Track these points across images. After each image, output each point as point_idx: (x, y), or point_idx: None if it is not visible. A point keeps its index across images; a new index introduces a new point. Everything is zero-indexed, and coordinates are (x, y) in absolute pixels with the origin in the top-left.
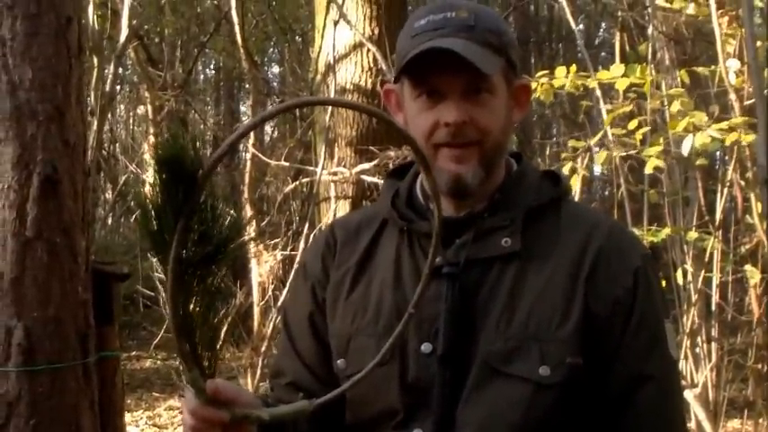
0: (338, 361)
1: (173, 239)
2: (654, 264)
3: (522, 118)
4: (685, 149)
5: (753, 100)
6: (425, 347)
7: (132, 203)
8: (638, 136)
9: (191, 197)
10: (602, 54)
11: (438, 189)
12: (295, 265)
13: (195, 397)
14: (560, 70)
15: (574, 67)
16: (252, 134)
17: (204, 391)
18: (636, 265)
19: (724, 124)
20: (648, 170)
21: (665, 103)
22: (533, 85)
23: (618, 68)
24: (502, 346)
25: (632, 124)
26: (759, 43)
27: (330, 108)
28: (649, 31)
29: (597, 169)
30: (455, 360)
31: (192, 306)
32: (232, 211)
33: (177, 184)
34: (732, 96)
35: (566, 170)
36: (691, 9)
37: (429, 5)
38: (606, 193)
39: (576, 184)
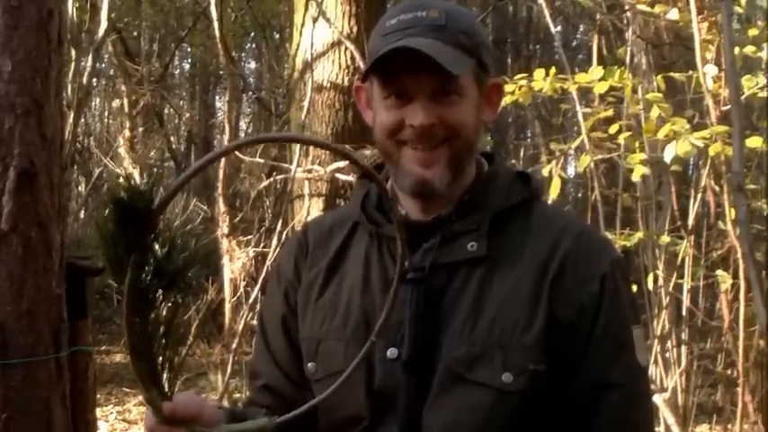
0: (308, 364)
1: (127, 269)
2: (624, 269)
3: (493, 118)
4: (668, 157)
5: (729, 106)
6: (391, 353)
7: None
8: (621, 140)
9: (142, 235)
10: (580, 56)
11: (402, 190)
12: (267, 264)
13: (153, 416)
14: (539, 72)
15: (553, 70)
16: (228, 129)
17: (161, 410)
18: (603, 271)
19: (705, 132)
20: (636, 178)
21: (643, 107)
22: (512, 87)
23: (596, 71)
24: (465, 352)
25: (613, 128)
26: (737, 49)
27: (306, 105)
28: (628, 34)
29: (571, 171)
30: (420, 366)
31: (148, 328)
32: (191, 241)
33: (128, 223)
34: (709, 102)
35: (545, 172)
36: (674, 14)
37: (402, 4)
38: (580, 195)
39: (555, 188)
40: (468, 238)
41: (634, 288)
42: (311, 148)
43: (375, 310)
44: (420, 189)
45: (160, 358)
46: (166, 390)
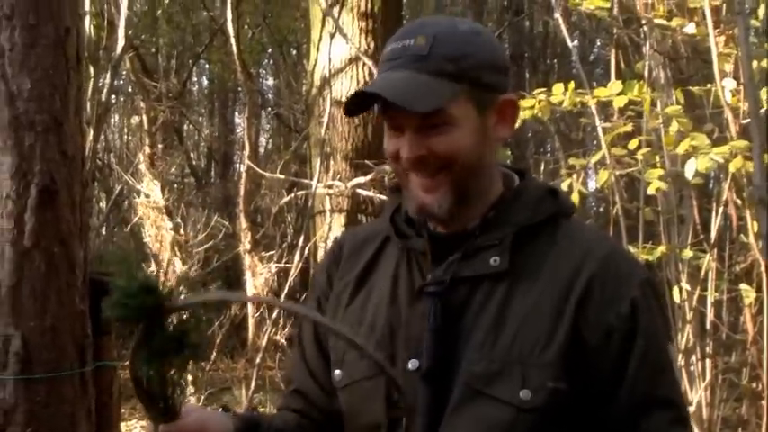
0: (335, 371)
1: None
2: (654, 288)
3: (509, 134)
4: (689, 173)
5: (749, 120)
6: (412, 364)
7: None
8: (640, 156)
9: (151, 329)
10: (597, 71)
11: (409, 213)
12: (290, 280)
13: None
14: (557, 87)
15: (572, 84)
16: (247, 145)
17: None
18: (633, 294)
19: (725, 148)
20: (651, 191)
21: (663, 121)
22: (531, 101)
23: (615, 86)
24: (485, 367)
25: (633, 144)
26: (755, 63)
27: (326, 121)
28: (645, 48)
29: (591, 186)
30: (438, 378)
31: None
32: (195, 334)
33: (138, 318)
34: (728, 116)
35: (564, 186)
36: (691, 28)
37: (402, 28)
38: (601, 209)
39: (575, 202)
40: (490, 253)
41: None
42: (331, 163)
43: (400, 323)
44: (420, 214)
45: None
46: (170, 408)
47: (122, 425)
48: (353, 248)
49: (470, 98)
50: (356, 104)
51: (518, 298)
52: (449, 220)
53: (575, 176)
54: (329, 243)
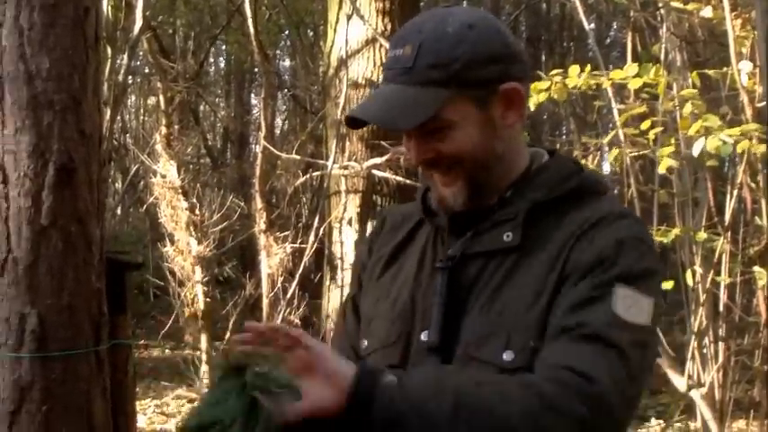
0: (362, 341)
1: None
2: (639, 243)
3: (519, 118)
4: (696, 151)
5: (764, 102)
6: (424, 336)
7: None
8: (651, 135)
9: None
10: (613, 54)
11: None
12: (304, 260)
13: None
14: (574, 69)
15: (588, 67)
16: (263, 126)
17: None
18: (601, 247)
19: (736, 130)
20: (661, 170)
21: (677, 104)
22: (546, 83)
23: (631, 68)
24: (477, 333)
25: (645, 125)
26: None
27: (342, 102)
28: (662, 31)
29: (606, 168)
30: (443, 350)
31: None
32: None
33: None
34: (744, 99)
35: None
36: (708, 11)
37: (397, 33)
38: (615, 191)
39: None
40: (504, 228)
41: (670, 284)
42: (347, 144)
43: (420, 295)
44: (440, 205)
45: None
46: None
47: (137, 404)
48: (393, 224)
49: (465, 98)
50: (354, 122)
51: (521, 271)
52: (468, 210)
53: (590, 158)
54: (344, 224)
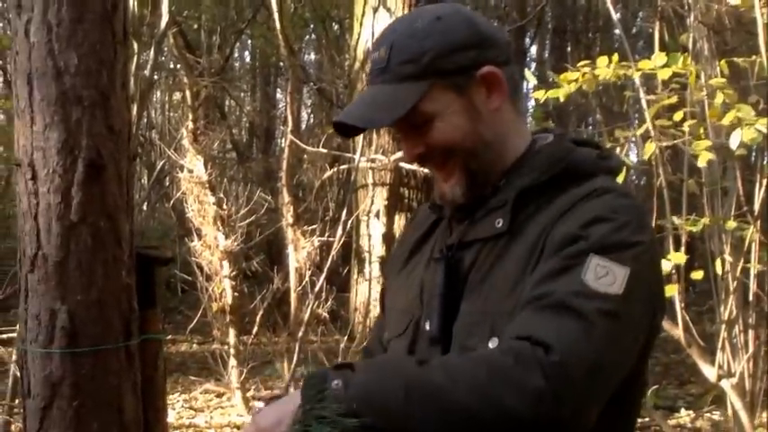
0: (384, 332)
1: None
2: (613, 212)
3: (502, 100)
4: (734, 144)
5: None
6: (428, 326)
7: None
8: (686, 127)
9: None
10: (640, 44)
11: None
12: (332, 254)
13: None
14: (602, 60)
15: (616, 57)
16: (290, 120)
17: None
18: (578, 221)
19: None
20: (701, 164)
21: (707, 94)
22: (575, 74)
23: (660, 58)
24: (467, 321)
25: (678, 116)
26: None
27: None
28: (689, 20)
29: (633, 158)
30: (443, 339)
31: None
32: None
33: None
34: None
35: None
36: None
37: (375, 39)
38: (642, 182)
39: (621, 175)
40: (496, 215)
41: (700, 274)
42: (374, 137)
43: (427, 285)
44: (443, 201)
45: None
46: None
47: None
48: (421, 218)
49: (444, 87)
50: (345, 130)
51: (509, 256)
52: (467, 202)
53: (618, 149)
54: (372, 217)
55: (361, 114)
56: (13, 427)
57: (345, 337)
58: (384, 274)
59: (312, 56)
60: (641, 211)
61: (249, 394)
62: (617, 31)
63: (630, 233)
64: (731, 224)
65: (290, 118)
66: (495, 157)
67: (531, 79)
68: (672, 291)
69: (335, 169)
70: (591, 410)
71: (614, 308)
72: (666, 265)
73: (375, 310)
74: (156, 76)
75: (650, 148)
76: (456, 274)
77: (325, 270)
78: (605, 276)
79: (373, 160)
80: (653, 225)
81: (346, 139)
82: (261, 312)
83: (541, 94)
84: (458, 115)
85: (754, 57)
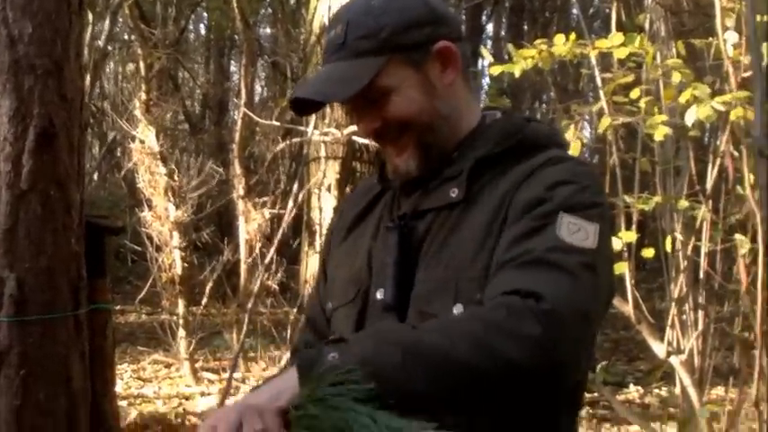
0: (327, 303)
1: None
2: (576, 176)
3: (455, 75)
4: (689, 120)
5: (749, 73)
6: (380, 294)
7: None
8: (643, 104)
9: None
10: (596, 24)
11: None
12: (283, 226)
13: None
14: (559, 38)
15: (573, 35)
16: (243, 93)
17: None
18: (542, 185)
19: (727, 97)
20: (657, 138)
21: (663, 73)
22: (531, 52)
23: (617, 37)
24: (426, 288)
25: (635, 93)
26: (758, 17)
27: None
28: (647, 1)
29: (587, 135)
30: (398, 308)
31: None
32: None
33: None
34: (729, 69)
35: (568, 137)
36: None
37: (332, 15)
38: (596, 160)
39: (575, 151)
40: (450, 185)
41: (651, 252)
42: (328, 110)
43: (375, 255)
44: (396, 176)
45: None
46: None
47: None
48: (363, 191)
49: (400, 62)
50: (301, 108)
51: (465, 224)
52: (420, 175)
53: (572, 125)
54: (323, 190)
55: (318, 89)
56: None
57: (295, 309)
58: (326, 244)
59: (267, 29)
60: (598, 178)
61: (198, 365)
62: (574, 11)
63: (592, 195)
64: (683, 203)
65: (243, 91)
66: (450, 131)
67: (486, 56)
68: (622, 268)
69: (288, 142)
70: (581, 360)
71: (592, 261)
72: (617, 243)
73: None
74: (110, 47)
75: (605, 122)
76: (408, 242)
77: (276, 242)
78: (578, 232)
79: (326, 134)
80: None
81: (302, 116)
82: (210, 283)
83: (497, 69)
84: (414, 89)
85: (710, 39)
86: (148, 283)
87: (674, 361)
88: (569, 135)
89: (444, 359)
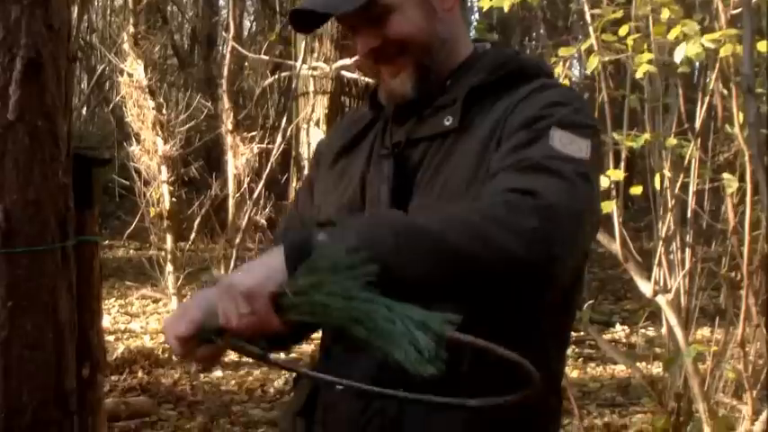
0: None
1: None
2: (567, 99)
3: (456, 3)
4: (678, 57)
5: (739, 9)
6: None
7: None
8: (630, 42)
9: None
10: None
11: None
12: (271, 161)
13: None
14: None
15: None
16: (231, 26)
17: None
18: (534, 107)
19: (716, 34)
20: (639, 75)
21: (652, 10)
22: None
23: None
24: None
25: (623, 30)
26: None
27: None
28: None
29: (576, 73)
30: None
31: None
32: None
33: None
34: (719, 5)
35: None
36: None
37: None
38: (585, 97)
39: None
40: (444, 113)
41: (639, 189)
42: (317, 45)
43: (368, 183)
44: (390, 98)
45: None
46: None
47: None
48: (354, 118)
49: None
50: (301, 23)
51: (458, 151)
52: (416, 97)
53: (561, 63)
54: (312, 125)
55: (324, 1)
56: None
57: None
58: (312, 165)
59: None
60: (588, 105)
61: (186, 301)
62: None
63: (585, 117)
64: (672, 141)
65: (231, 24)
66: (446, 57)
67: None
68: (610, 206)
69: (276, 76)
70: (572, 258)
71: (587, 171)
72: (605, 181)
73: None
74: None
75: (594, 61)
76: (403, 170)
77: (264, 177)
78: (571, 144)
79: (315, 68)
80: None
81: (301, 32)
82: (198, 218)
83: (487, 2)
84: (415, 10)
85: None
86: (137, 218)
87: (661, 300)
88: (558, 72)
89: (438, 244)
